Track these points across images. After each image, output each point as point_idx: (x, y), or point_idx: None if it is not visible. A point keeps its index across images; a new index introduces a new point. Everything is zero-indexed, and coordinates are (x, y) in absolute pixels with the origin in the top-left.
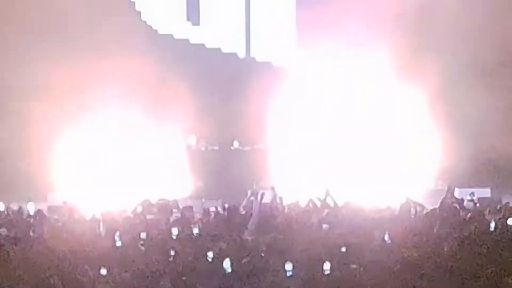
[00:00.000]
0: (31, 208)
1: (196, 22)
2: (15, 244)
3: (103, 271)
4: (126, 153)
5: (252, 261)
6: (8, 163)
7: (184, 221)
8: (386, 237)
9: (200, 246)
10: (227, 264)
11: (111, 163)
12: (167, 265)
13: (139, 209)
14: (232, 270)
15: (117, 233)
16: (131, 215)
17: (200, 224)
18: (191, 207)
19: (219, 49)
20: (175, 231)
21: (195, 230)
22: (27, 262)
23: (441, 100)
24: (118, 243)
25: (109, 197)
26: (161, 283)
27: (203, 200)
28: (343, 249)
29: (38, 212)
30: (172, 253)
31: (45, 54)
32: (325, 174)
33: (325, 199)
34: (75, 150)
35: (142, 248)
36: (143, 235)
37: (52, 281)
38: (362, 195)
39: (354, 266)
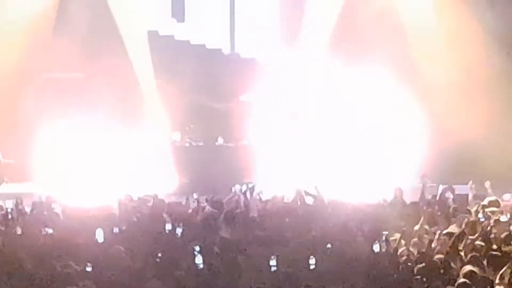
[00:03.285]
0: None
1: (181, 19)
2: None
3: (88, 268)
4: (110, 149)
5: (236, 257)
6: None
7: (169, 217)
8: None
9: (184, 243)
10: (199, 260)
11: (94, 159)
12: (152, 263)
13: (123, 205)
14: (216, 267)
15: (100, 229)
16: (115, 211)
17: (184, 220)
18: (177, 203)
19: (204, 45)
20: (158, 227)
21: (179, 227)
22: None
23: (426, 97)
24: (101, 240)
25: (92, 193)
26: (148, 281)
27: (188, 196)
28: (329, 245)
29: (19, 207)
30: (157, 250)
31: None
32: (309, 170)
33: (311, 193)
34: (58, 145)
35: (127, 244)
36: (126, 231)
37: (35, 277)
38: (346, 190)
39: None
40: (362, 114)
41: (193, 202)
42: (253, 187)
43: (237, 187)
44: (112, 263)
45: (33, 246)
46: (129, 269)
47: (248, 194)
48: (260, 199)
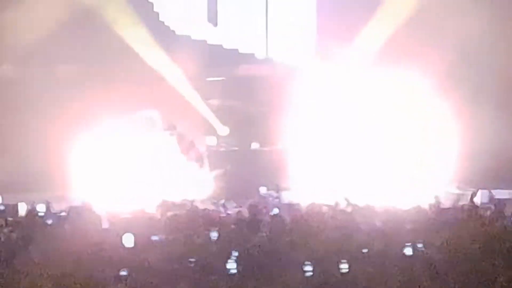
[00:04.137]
0: (45, 208)
1: (215, 24)
2: (30, 245)
3: (123, 272)
4: (145, 154)
5: (269, 262)
6: (24, 162)
7: (204, 222)
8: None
9: (220, 248)
10: (232, 265)
11: (130, 164)
12: (186, 268)
13: (159, 210)
14: (250, 271)
15: (136, 234)
16: (151, 216)
17: (220, 225)
18: (212, 208)
19: (237, 50)
20: (194, 232)
21: (215, 232)
22: (46, 263)
23: (463, 100)
24: (137, 245)
25: (128, 198)
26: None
27: (222, 200)
28: (365, 250)
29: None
30: (191, 255)
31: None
32: (343, 176)
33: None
34: (94, 150)
35: (161, 249)
36: (162, 236)
37: (71, 281)
38: (380, 196)
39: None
40: (399, 120)
41: (222, 207)
42: (279, 190)
43: (262, 190)
44: (147, 268)
45: (70, 250)
46: (163, 274)
47: (278, 197)
48: (294, 204)
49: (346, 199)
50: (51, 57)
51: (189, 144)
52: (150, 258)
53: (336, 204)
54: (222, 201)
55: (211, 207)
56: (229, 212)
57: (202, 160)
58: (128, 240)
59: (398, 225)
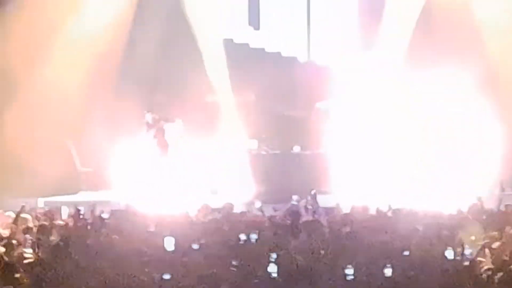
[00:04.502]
0: (88, 211)
1: (257, 27)
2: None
3: (166, 276)
4: (187, 157)
5: (310, 265)
6: (67, 165)
7: (246, 226)
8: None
9: (260, 251)
10: (273, 269)
11: (172, 167)
12: (227, 272)
13: (200, 214)
14: (291, 275)
15: (177, 237)
16: (193, 220)
17: (261, 228)
18: (253, 212)
19: (279, 53)
20: (236, 236)
21: (255, 235)
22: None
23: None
24: (180, 248)
25: (170, 202)
26: None
27: (262, 204)
28: (406, 253)
29: (97, 216)
30: (233, 259)
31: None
32: (386, 180)
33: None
34: (136, 154)
35: (204, 252)
36: (204, 240)
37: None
38: (422, 200)
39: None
40: (440, 120)
41: (261, 210)
42: (315, 194)
43: (295, 198)
44: (189, 271)
45: (113, 253)
46: (205, 278)
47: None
48: (334, 207)
49: (387, 203)
50: (97, 59)
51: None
52: (191, 262)
53: (378, 208)
54: (260, 205)
55: (252, 211)
56: (268, 215)
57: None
58: (170, 244)
59: (439, 229)
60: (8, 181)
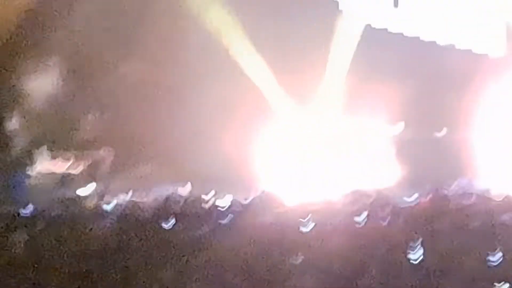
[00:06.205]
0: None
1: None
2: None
3: (299, 260)
4: (328, 142)
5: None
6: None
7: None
8: None
9: (407, 236)
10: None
11: (311, 152)
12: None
13: (347, 199)
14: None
15: (318, 224)
16: (338, 205)
17: (405, 213)
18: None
19: (418, 37)
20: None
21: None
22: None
23: None
24: (320, 234)
25: (310, 187)
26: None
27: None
28: None
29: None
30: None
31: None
32: None
33: None
34: (275, 141)
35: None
36: (344, 225)
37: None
38: None
39: None
40: None
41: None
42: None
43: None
44: (331, 256)
45: (252, 238)
46: (351, 262)
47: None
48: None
49: None
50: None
51: None
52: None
53: None
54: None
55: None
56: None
57: None
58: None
59: None
60: None
